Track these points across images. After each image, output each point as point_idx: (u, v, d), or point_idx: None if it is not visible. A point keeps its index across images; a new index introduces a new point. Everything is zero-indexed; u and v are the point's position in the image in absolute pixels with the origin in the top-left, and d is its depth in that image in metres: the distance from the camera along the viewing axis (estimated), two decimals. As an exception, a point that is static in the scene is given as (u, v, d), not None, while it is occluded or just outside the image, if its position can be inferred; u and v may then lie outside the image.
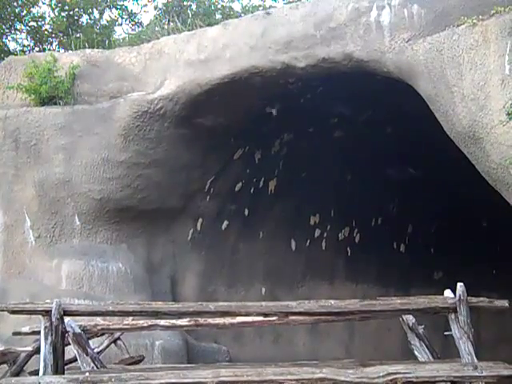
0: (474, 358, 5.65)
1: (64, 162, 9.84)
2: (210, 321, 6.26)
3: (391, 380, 5.41)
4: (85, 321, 6.41)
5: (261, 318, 6.13)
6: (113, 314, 6.14)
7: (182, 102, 9.63)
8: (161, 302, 6.34)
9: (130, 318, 6.44)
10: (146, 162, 9.97)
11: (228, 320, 6.24)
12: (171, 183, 10.30)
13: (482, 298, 6.07)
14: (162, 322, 6.33)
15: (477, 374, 5.43)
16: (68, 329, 5.84)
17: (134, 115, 9.67)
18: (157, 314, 6.07)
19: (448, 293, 6.13)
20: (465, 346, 5.73)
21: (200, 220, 10.91)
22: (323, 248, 11.70)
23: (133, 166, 9.92)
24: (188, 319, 6.14)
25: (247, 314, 6.12)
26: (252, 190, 11.25)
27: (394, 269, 11.67)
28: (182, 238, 10.78)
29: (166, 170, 10.16)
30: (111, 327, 6.62)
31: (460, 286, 5.98)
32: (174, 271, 10.70)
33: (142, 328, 6.35)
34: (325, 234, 11.73)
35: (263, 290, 11.05)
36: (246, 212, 11.29)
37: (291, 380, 5.53)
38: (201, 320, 6.16)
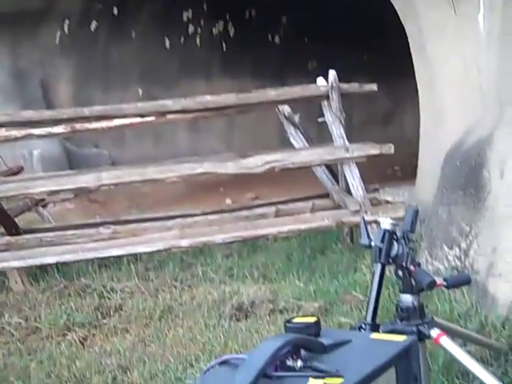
0: (346, 140, 5.94)
1: None
2: (87, 126, 6.10)
3: (269, 168, 5.63)
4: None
5: (138, 119, 6.06)
6: (-18, 126, 5.90)
7: None
8: (32, 111, 6.12)
9: (3, 129, 6.21)
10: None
11: (105, 124, 6.10)
12: (31, -18, 9.55)
13: (352, 84, 6.25)
14: (37, 131, 6.12)
15: (348, 156, 5.74)
16: None
17: None
18: (30, 123, 5.89)
19: (320, 81, 6.27)
20: (337, 131, 5.98)
21: (67, 21, 10.31)
22: (198, 44, 11.48)
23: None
24: (63, 126, 5.98)
25: (124, 116, 6.03)
26: (119, -13, 10.65)
27: (270, 61, 11.71)
28: (49, 43, 10.23)
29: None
30: (-17, 140, 6.39)
31: (332, 73, 6.10)
32: (44, 79, 10.27)
33: (16, 139, 6.12)
34: (199, 30, 11.45)
35: (140, 91, 10.89)
36: (115, 11, 10.75)
37: (173, 177, 5.65)
38: (77, 126, 6.00)
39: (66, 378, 3.67)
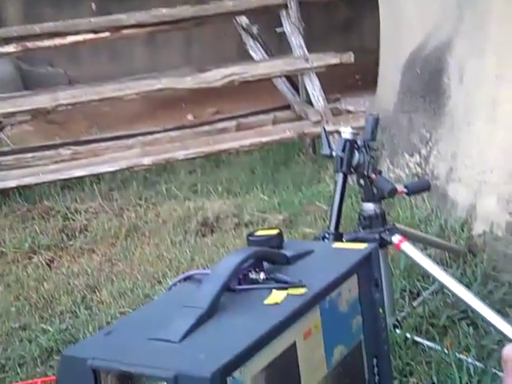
0: (305, 51, 5.86)
1: None
2: (39, 44, 5.92)
3: (228, 82, 5.56)
4: None
5: (92, 36, 5.90)
6: None
7: None
8: (-20, 30, 5.89)
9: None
10: None
11: (58, 41, 5.93)
12: None
13: (311, -9, 6.13)
14: (-13, 51, 5.94)
15: (308, 66, 5.69)
16: None
17: None
18: (-21, 43, 5.69)
19: (278, -10, 6.12)
20: (296, 41, 5.90)
21: None
22: (150, -45, 11.06)
23: None
24: (14, 45, 5.77)
25: (77, 33, 5.86)
26: None
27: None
28: (-7, -42, 9.76)
29: None
30: None
31: (289, -19, 5.96)
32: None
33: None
34: None
35: (93, 5, 10.50)
36: None
37: (131, 94, 5.56)
38: (28, 44, 5.81)
39: (34, 300, 3.69)
